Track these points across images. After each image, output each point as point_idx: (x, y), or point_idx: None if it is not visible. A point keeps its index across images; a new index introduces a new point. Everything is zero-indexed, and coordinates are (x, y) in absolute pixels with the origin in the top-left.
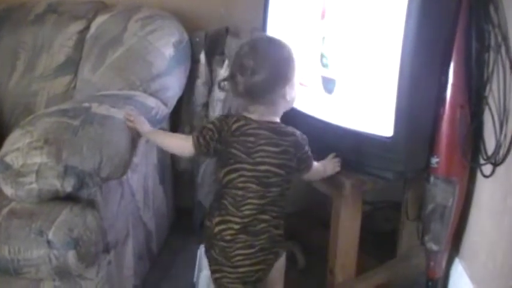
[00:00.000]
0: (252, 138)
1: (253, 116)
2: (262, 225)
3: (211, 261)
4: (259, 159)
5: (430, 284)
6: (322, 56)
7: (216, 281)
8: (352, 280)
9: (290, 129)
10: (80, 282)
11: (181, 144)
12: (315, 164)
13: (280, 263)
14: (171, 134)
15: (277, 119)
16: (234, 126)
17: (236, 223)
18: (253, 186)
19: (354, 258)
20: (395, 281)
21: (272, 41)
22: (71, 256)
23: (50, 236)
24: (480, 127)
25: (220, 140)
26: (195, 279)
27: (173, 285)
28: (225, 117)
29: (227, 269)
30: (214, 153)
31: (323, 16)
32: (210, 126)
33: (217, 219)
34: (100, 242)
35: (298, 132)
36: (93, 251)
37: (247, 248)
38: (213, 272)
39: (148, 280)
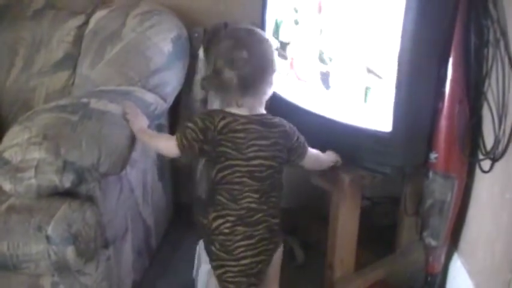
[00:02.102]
0: (241, 134)
1: (241, 111)
2: (259, 215)
3: (213, 257)
4: (251, 154)
5: (428, 279)
6: (320, 50)
7: (219, 277)
8: (351, 275)
9: (278, 120)
10: (79, 278)
11: (167, 145)
12: (313, 151)
13: (278, 255)
14: (158, 134)
15: (264, 110)
16: (221, 123)
17: (232, 216)
18: (248, 181)
19: (352, 253)
20: (393, 276)
21: (251, 31)
22: (70, 252)
23: (49, 231)
24: (479, 122)
25: (206, 141)
26: (194, 275)
27: (172, 280)
28: (208, 116)
29: (229, 262)
30: (201, 154)
31: (320, 10)
32: (192, 126)
33: (212, 215)
34: (99, 238)
35: (286, 122)
36: (92, 246)
37: (246, 239)
38: (215, 268)
39: (147, 276)
